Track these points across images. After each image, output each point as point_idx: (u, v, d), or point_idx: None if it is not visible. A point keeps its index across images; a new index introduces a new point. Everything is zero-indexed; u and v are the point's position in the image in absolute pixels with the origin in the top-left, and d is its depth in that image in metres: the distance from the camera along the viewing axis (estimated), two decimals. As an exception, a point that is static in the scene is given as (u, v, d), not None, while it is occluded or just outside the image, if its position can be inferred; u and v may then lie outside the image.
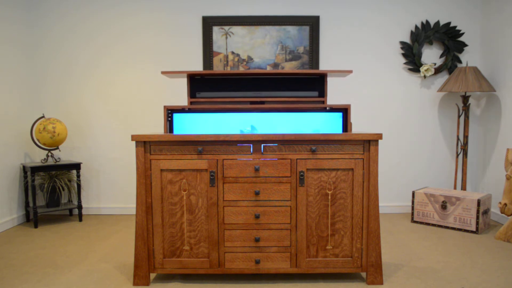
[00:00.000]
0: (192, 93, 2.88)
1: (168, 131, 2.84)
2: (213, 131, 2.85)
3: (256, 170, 2.41)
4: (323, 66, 4.10)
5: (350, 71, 2.79)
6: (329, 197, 2.43)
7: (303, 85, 2.88)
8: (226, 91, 2.88)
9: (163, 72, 2.80)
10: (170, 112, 2.84)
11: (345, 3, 4.07)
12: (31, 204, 3.89)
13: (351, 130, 2.86)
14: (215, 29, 4.06)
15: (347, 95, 4.12)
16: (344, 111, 2.84)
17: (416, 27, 4.05)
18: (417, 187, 4.22)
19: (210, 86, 2.88)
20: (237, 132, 2.84)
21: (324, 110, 2.86)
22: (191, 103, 2.90)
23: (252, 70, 2.79)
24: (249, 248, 2.45)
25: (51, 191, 3.88)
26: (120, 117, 4.17)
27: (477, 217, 3.44)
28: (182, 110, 2.84)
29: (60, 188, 3.89)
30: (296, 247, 2.45)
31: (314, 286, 2.45)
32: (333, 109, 2.84)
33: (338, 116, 2.84)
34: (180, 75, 2.88)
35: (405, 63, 4.11)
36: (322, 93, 2.89)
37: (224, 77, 2.88)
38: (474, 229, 3.46)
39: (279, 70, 2.79)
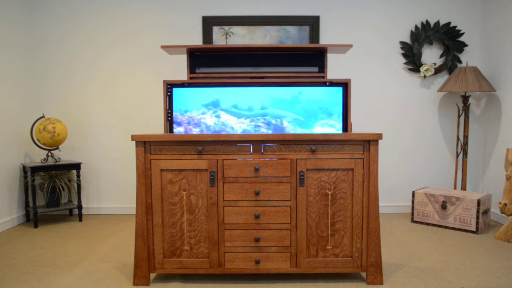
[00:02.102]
0: (191, 69, 2.88)
1: (167, 106, 2.83)
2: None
3: (256, 170, 2.41)
4: (323, 66, 4.10)
5: (350, 45, 2.79)
6: (329, 197, 2.43)
7: (303, 60, 2.88)
8: (225, 66, 2.88)
9: (162, 47, 2.80)
10: (169, 86, 2.84)
11: (345, 3, 4.07)
12: (31, 204, 3.89)
13: (351, 130, 2.86)
14: (215, 29, 4.06)
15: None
16: (344, 85, 2.84)
17: (416, 27, 4.05)
18: (417, 187, 4.22)
19: (210, 62, 2.88)
20: (232, 103, 2.86)
21: (324, 84, 2.86)
22: (190, 78, 2.89)
23: (252, 45, 2.78)
24: (249, 248, 2.45)
25: (51, 191, 3.88)
26: (120, 117, 4.17)
27: (477, 217, 3.44)
28: (181, 84, 2.84)
29: (60, 188, 3.89)
30: (296, 247, 2.45)
31: (314, 286, 2.45)
32: (333, 84, 2.84)
33: (338, 90, 2.84)
34: (180, 51, 2.87)
35: (405, 63, 4.11)
36: (322, 68, 2.88)
37: (224, 53, 2.87)
38: (474, 229, 3.46)
39: (279, 45, 2.78)
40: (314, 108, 2.87)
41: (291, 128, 2.87)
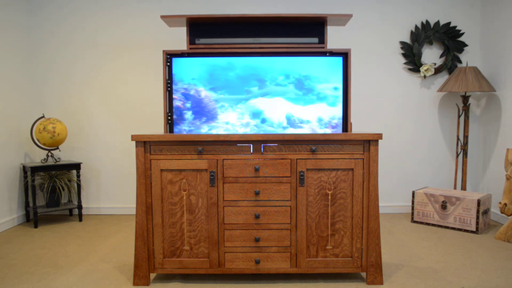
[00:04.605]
0: (191, 39, 2.88)
1: (167, 76, 2.82)
2: (213, 77, 2.86)
3: (256, 170, 2.41)
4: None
5: (350, 15, 2.80)
6: (329, 197, 2.43)
7: (304, 32, 2.89)
8: (225, 37, 2.88)
9: (162, 16, 2.80)
10: (169, 56, 2.83)
11: (345, 3, 4.07)
12: (31, 204, 3.89)
13: (351, 130, 2.86)
14: (215, 29, 4.06)
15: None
16: (345, 55, 2.84)
17: (416, 27, 4.05)
18: (417, 187, 4.22)
19: (210, 33, 2.88)
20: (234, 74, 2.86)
21: (324, 54, 2.86)
22: (190, 49, 2.89)
23: (252, 14, 2.77)
24: (249, 248, 2.45)
25: (51, 191, 3.88)
26: (120, 117, 4.17)
27: (477, 217, 3.44)
28: (181, 54, 2.84)
29: (60, 188, 3.89)
30: (296, 247, 2.45)
31: (314, 286, 2.45)
32: (333, 54, 2.84)
33: (338, 60, 2.84)
34: (180, 22, 2.86)
35: (405, 63, 4.11)
36: (322, 39, 2.89)
37: (223, 23, 2.87)
38: (474, 229, 3.46)
39: (279, 14, 2.78)
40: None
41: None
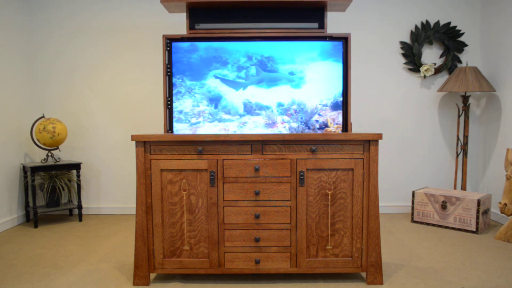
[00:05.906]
0: (191, 24, 2.88)
1: (167, 61, 2.81)
2: (214, 61, 2.85)
3: (256, 170, 2.41)
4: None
5: (350, 0, 2.81)
6: (329, 197, 2.43)
7: (304, 16, 2.90)
8: (225, 22, 2.88)
9: (162, 1, 2.80)
10: (168, 41, 2.82)
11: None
12: (31, 204, 3.89)
13: (351, 130, 2.86)
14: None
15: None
16: (345, 40, 2.83)
17: (416, 27, 4.05)
18: (417, 187, 4.22)
19: (209, 18, 2.88)
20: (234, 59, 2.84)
21: (324, 39, 2.86)
22: (190, 34, 2.89)
23: None
24: (249, 248, 2.45)
25: (51, 191, 3.88)
26: (120, 117, 4.17)
27: (477, 217, 3.44)
28: (181, 39, 2.83)
29: (60, 188, 3.89)
30: (296, 247, 2.45)
31: (314, 286, 2.45)
32: (333, 38, 2.84)
33: (339, 45, 2.84)
34: (180, 7, 2.85)
35: (405, 63, 4.11)
36: (322, 24, 2.90)
37: (223, 8, 2.87)
38: (474, 229, 3.46)
39: None
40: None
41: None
